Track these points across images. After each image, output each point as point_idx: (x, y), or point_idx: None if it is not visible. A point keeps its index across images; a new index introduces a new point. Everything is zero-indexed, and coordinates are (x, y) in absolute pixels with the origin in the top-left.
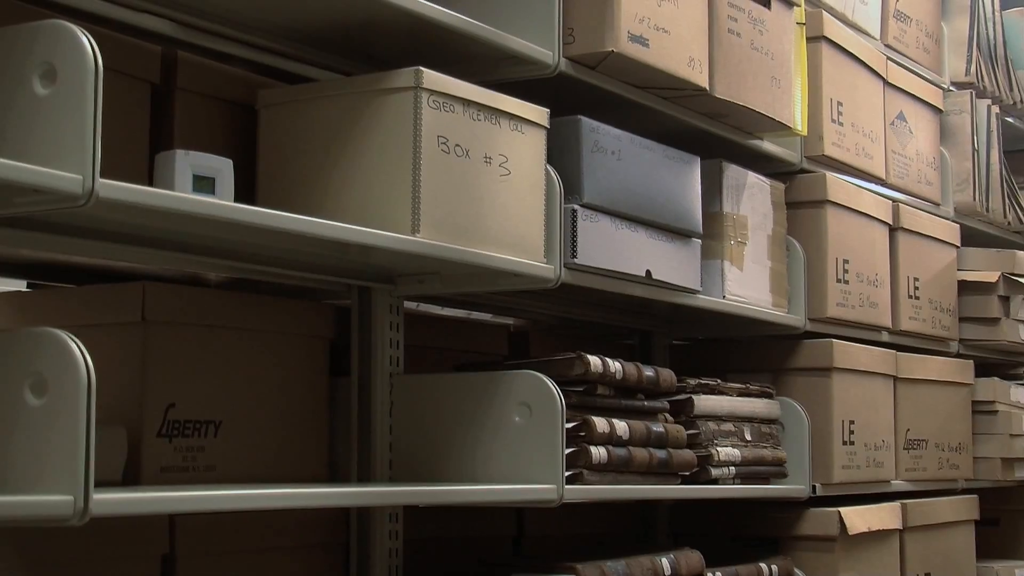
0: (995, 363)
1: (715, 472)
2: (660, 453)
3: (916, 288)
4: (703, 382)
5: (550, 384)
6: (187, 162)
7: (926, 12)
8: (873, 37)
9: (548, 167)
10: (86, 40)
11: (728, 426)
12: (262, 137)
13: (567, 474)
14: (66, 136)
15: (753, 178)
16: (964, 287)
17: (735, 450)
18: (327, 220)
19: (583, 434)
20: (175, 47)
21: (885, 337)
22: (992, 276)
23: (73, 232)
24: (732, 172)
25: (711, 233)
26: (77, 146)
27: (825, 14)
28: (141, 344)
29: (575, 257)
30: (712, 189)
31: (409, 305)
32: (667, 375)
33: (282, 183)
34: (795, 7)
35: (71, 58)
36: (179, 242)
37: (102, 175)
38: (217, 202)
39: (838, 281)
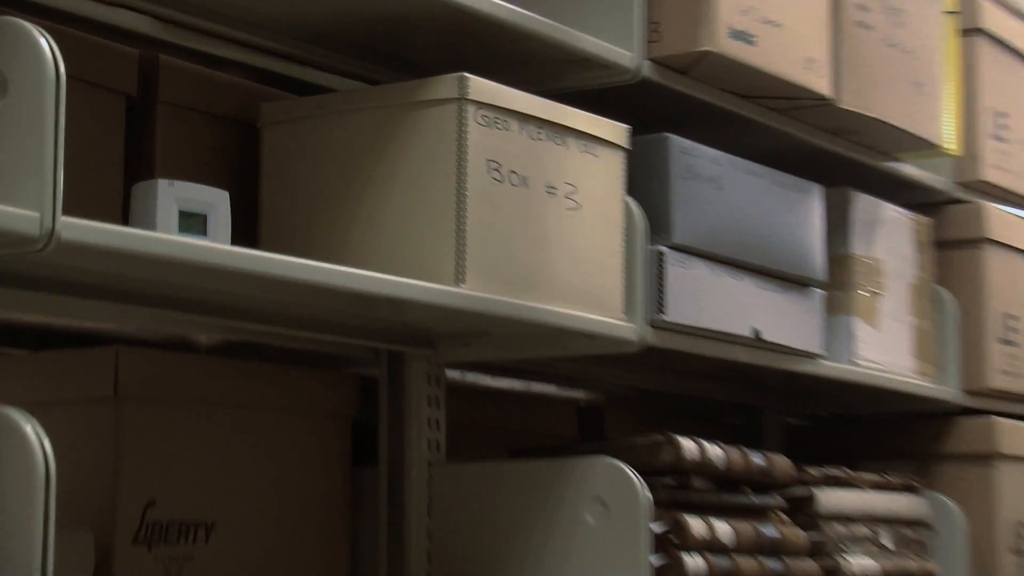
0: None
1: None
2: (774, 564)
3: None
4: (828, 472)
5: (631, 474)
6: (172, 195)
7: None
8: None
9: (628, 199)
10: (44, 42)
11: (861, 529)
12: (266, 163)
13: None
14: (19, 163)
15: (890, 211)
16: None
17: (870, 560)
18: (348, 268)
19: (675, 539)
20: (156, 50)
21: None
22: None
23: (28, 284)
24: (863, 204)
25: (837, 282)
26: (33, 175)
27: (983, 0)
28: (113, 425)
29: (662, 313)
30: (837, 225)
31: (452, 375)
32: (781, 463)
33: (291, 220)
34: None
35: (25, 64)
36: (162, 296)
37: (65, 211)
38: (210, 245)
39: (1002, 342)
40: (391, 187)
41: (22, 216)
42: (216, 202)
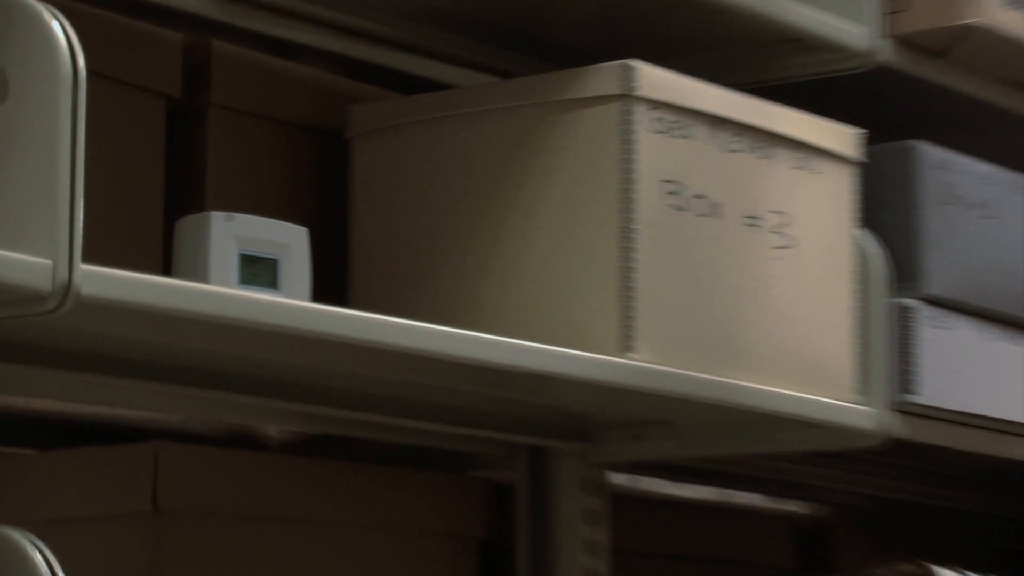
0: None
1: None
2: None
3: None
4: None
5: None
6: (230, 233)
7: None
8: None
9: (861, 232)
10: (57, 27)
11: None
12: (358, 188)
13: None
14: (24, 192)
15: None
16: None
17: None
18: (473, 332)
19: None
20: (207, 34)
21: None
22: None
23: (38, 358)
24: None
25: None
26: (43, 208)
27: None
28: (152, 548)
29: (912, 393)
30: None
31: (618, 479)
32: None
33: (393, 267)
34: None
35: (31, 58)
36: (217, 373)
37: (87, 257)
38: (282, 302)
39: None
40: (531, 220)
41: (28, 264)
42: (290, 242)
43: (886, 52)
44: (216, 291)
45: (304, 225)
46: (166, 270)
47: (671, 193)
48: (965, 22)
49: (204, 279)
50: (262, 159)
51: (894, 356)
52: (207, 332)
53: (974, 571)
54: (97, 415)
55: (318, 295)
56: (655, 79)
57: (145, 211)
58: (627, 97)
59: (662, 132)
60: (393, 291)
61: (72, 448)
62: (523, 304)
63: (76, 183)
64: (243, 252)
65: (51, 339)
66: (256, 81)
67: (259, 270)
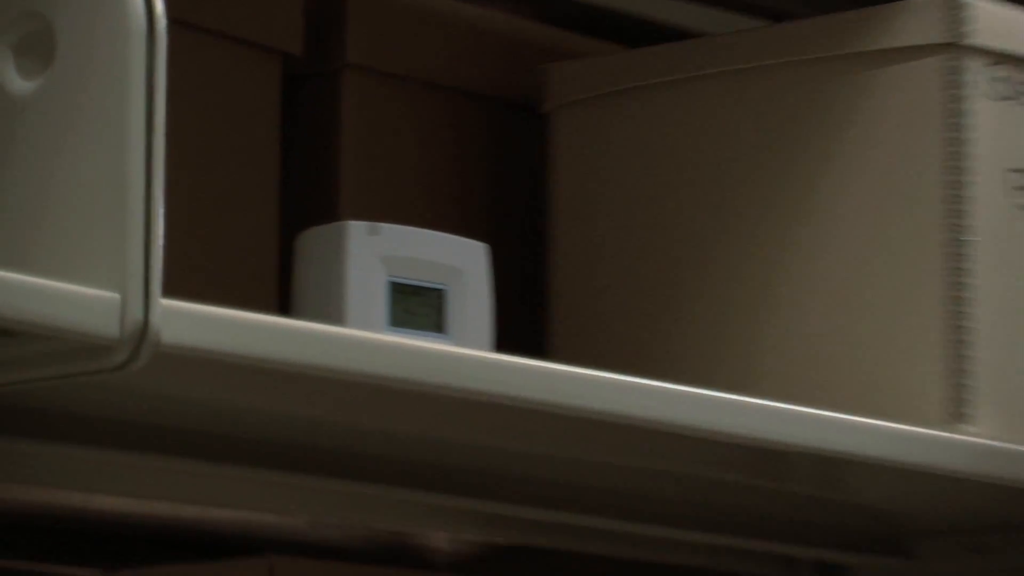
0: None
1: None
2: None
3: None
4: None
5: None
6: (374, 251)
7: None
8: None
9: None
10: None
11: None
12: (557, 182)
13: None
14: (79, 198)
15: None
16: None
17: None
18: (738, 396)
19: None
20: None
21: None
22: None
23: (99, 436)
24: None
25: None
26: (106, 222)
27: None
28: None
29: None
30: None
31: None
32: None
33: (608, 301)
34: None
35: (90, 7)
36: (355, 456)
37: (168, 290)
38: (453, 353)
39: None
40: (811, 233)
41: (85, 300)
42: (463, 264)
43: None
44: (356, 337)
45: (479, 239)
46: (282, 305)
47: (1019, 189)
48: None
49: (338, 319)
50: (419, 143)
51: None
52: (343, 397)
53: None
54: (187, 518)
55: (504, 338)
56: (997, 20)
57: (252, 220)
58: (955, 47)
59: (1007, 98)
60: (610, 335)
61: (152, 566)
62: (801, 354)
63: (153, 183)
64: (394, 279)
65: (120, 408)
66: (406, 33)
67: (418, 306)
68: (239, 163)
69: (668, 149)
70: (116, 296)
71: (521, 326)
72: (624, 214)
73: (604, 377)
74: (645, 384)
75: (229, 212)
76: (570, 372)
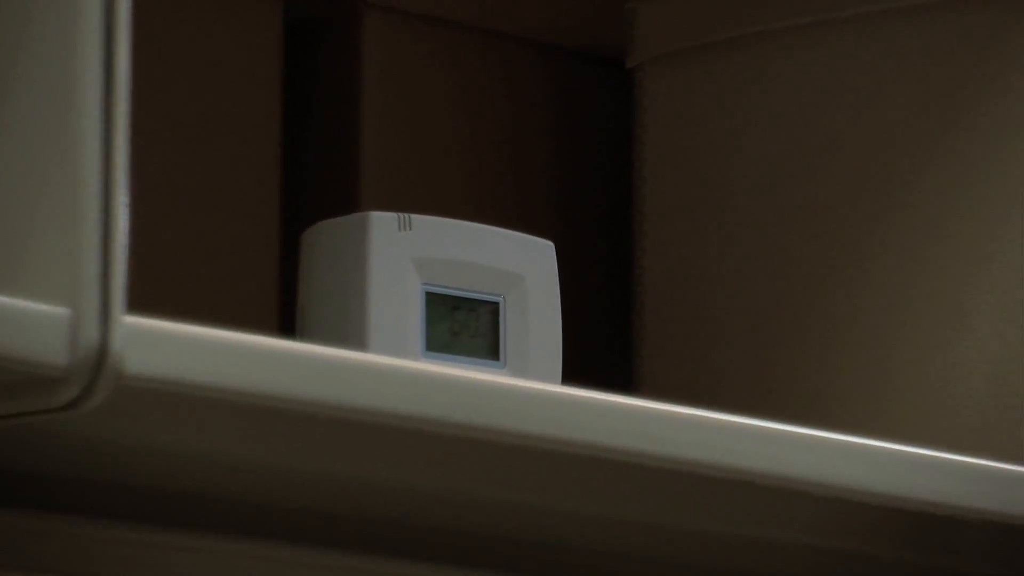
0: None
1: None
2: None
3: None
4: None
5: None
6: (405, 251)
7: None
8: None
9: None
10: None
11: None
12: (646, 159)
13: None
14: (12, 185)
15: None
16: None
17: None
18: (877, 441)
19: None
20: None
21: None
22: None
23: (44, 495)
24: None
25: None
26: (50, 217)
27: None
28: None
29: None
30: None
31: None
32: None
33: (709, 315)
34: None
35: None
36: (383, 523)
37: (135, 304)
38: (516, 387)
39: None
40: (982, 222)
41: (27, 317)
42: (523, 268)
43: None
44: (382, 367)
45: (542, 234)
46: (284, 322)
47: None
48: None
49: (358, 341)
50: (461, 109)
51: None
52: (365, 446)
53: None
54: None
55: (573, 369)
56: None
57: (247, 210)
58: None
59: None
60: (716, 360)
61: None
62: (955, 392)
63: (113, 166)
64: (432, 288)
65: (71, 461)
66: None
67: (463, 324)
68: (229, 136)
69: (793, 116)
70: (65, 312)
71: (599, 350)
72: (735, 202)
73: (714, 419)
74: (768, 428)
75: (216, 200)
76: (666, 412)
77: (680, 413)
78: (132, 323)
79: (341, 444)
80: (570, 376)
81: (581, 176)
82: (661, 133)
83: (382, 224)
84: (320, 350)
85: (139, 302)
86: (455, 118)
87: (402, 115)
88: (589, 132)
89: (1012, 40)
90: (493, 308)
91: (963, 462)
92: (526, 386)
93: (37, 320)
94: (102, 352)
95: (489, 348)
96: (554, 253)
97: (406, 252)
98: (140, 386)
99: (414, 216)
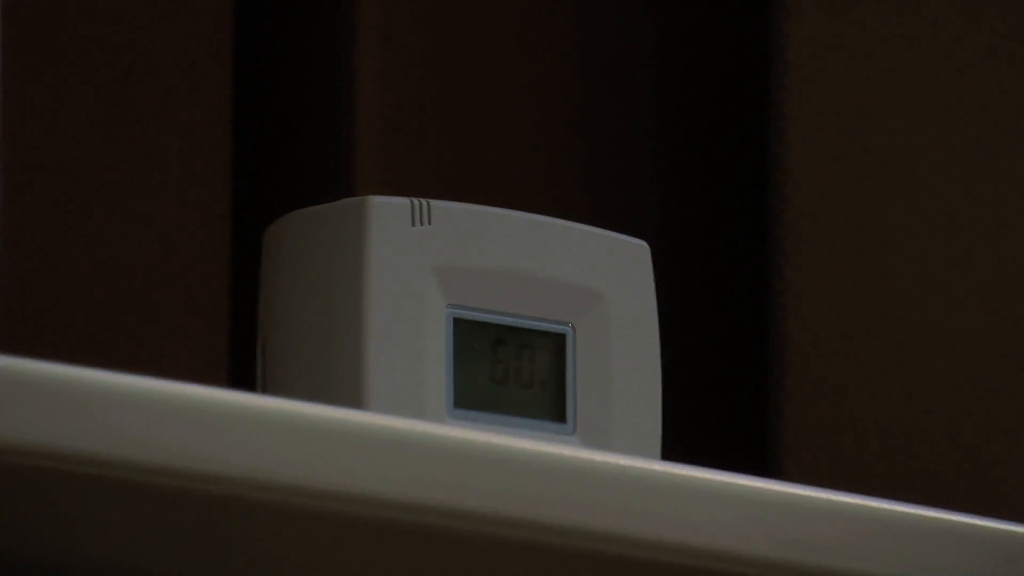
0: None
1: None
2: None
3: None
4: None
5: None
6: (421, 255)
7: None
8: None
9: None
10: None
11: None
12: (790, 131)
13: None
14: None
15: None
16: None
17: None
18: None
19: None
20: None
21: None
22: None
23: None
24: None
25: None
26: None
27: None
28: None
29: None
30: None
31: None
32: None
33: (865, 362)
34: None
35: None
36: None
37: (21, 342)
38: (591, 461)
39: None
40: None
41: None
42: (602, 282)
43: None
44: (389, 432)
45: (631, 232)
46: (239, 361)
47: None
48: None
49: (352, 393)
50: (495, 47)
51: None
52: (360, 548)
53: None
54: None
55: (678, 437)
56: None
57: (188, 197)
58: None
59: None
60: (866, 424)
61: None
62: None
63: None
64: (461, 313)
65: None
66: None
67: (511, 367)
68: (163, 98)
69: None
70: None
71: (721, 406)
72: (918, 193)
73: (888, 509)
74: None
75: (147, 187)
76: (822, 500)
77: (837, 500)
78: (20, 367)
79: (325, 548)
80: (674, 446)
81: (690, 148)
82: (811, 87)
83: (387, 213)
84: (290, 408)
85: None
86: (490, 60)
87: (414, 56)
88: (703, 82)
89: None
90: (557, 343)
91: None
92: (606, 461)
93: None
94: None
95: (551, 404)
96: (650, 258)
97: (423, 257)
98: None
99: (435, 203)
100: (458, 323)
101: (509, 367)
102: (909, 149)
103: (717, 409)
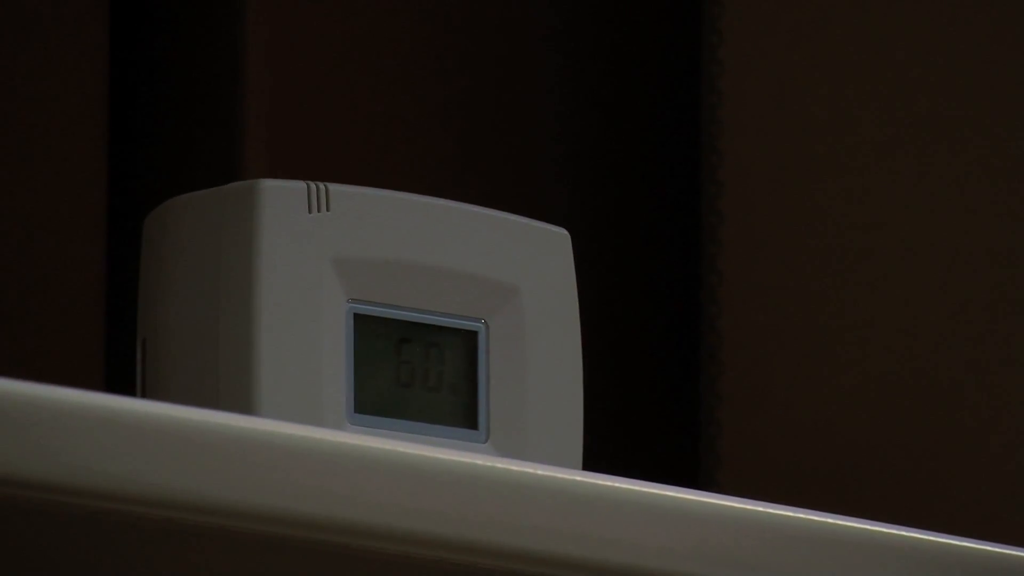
0: None
1: None
2: None
3: None
4: None
5: None
6: (319, 246)
7: None
8: None
9: None
10: None
11: None
12: (724, 106)
13: None
14: None
15: None
16: None
17: None
18: None
19: None
20: None
21: None
22: None
23: None
24: None
25: None
26: None
27: None
28: None
29: None
30: None
31: None
32: None
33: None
34: None
35: None
36: None
37: None
38: (504, 471)
39: None
40: None
41: None
42: (518, 275)
43: None
44: (280, 439)
45: (549, 219)
46: (115, 359)
47: None
48: None
49: (242, 396)
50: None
51: None
52: (247, 571)
53: None
54: None
55: (600, 445)
56: None
57: (60, 179)
58: None
59: None
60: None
61: None
62: None
63: None
64: (363, 309)
65: None
66: None
67: (418, 368)
68: (33, 71)
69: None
70: None
71: (645, 411)
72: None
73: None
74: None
75: (7, 168)
76: (759, 514)
77: (772, 517)
78: None
79: (211, 567)
80: (597, 455)
81: (615, 127)
82: (743, 68)
83: (280, 198)
84: (171, 413)
85: None
86: (393, 30)
87: (308, 24)
88: (632, 57)
89: None
90: (468, 341)
91: None
92: (521, 471)
93: None
94: None
95: (461, 408)
96: (571, 248)
97: (321, 246)
98: None
99: (334, 187)
100: (359, 319)
101: (415, 368)
102: (852, 125)
103: (644, 414)
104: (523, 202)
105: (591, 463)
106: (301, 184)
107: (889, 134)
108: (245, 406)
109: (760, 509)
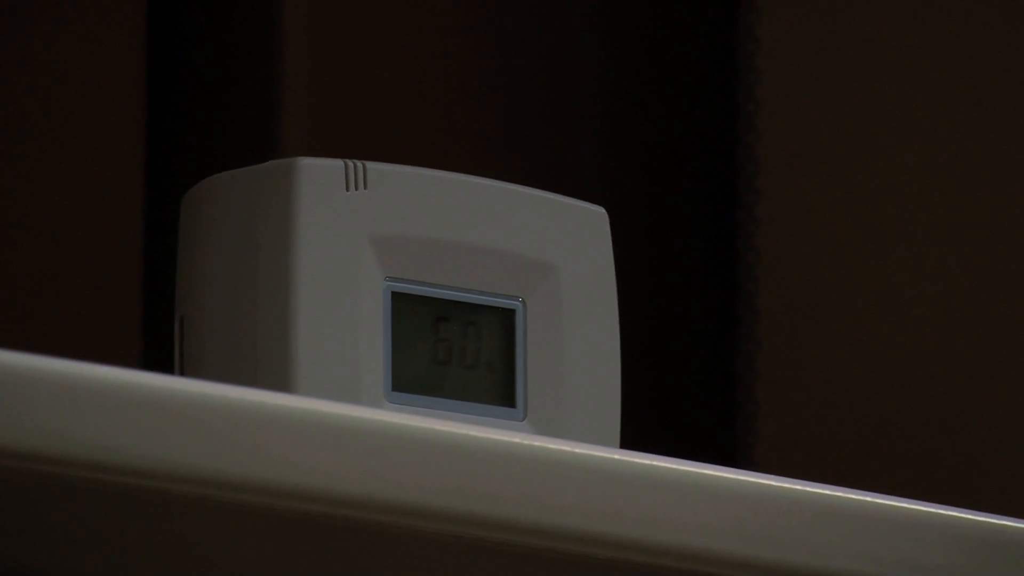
0: None
1: None
2: None
3: None
4: None
5: None
6: (357, 224)
7: None
8: None
9: None
10: None
11: None
12: (762, 94)
13: None
14: None
15: None
16: None
17: None
18: None
19: None
20: None
21: None
22: None
23: None
24: None
25: None
26: None
27: None
28: None
29: None
30: None
31: None
32: None
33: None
34: None
35: None
36: None
37: None
38: (544, 449)
39: None
40: None
41: None
42: (556, 254)
43: None
44: (320, 417)
45: (588, 198)
46: (154, 336)
47: None
48: None
49: (280, 374)
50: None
51: None
52: (291, 551)
53: None
54: None
55: (640, 425)
56: None
57: (103, 159)
58: None
59: None
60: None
61: None
62: None
63: None
64: (400, 287)
65: None
66: None
67: (455, 347)
68: (71, 51)
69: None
70: None
71: (682, 390)
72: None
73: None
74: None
75: (48, 147)
76: (797, 492)
77: (819, 492)
78: None
79: (249, 544)
80: (634, 433)
81: (653, 106)
82: (781, 45)
83: (318, 176)
84: (209, 391)
85: None
86: (435, 6)
87: (341, 8)
88: (670, 38)
89: None
90: (506, 319)
91: None
92: (559, 449)
93: None
94: None
95: (499, 387)
96: (608, 227)
97: (358, 224)
98: None
99: (371, 165)
100: (396, 297)
101: (453, 346)
102: (890, 101)
103: (682, 392)
104: (561, 180)
105: (628, 441)
106: (339, 162)
107: (927, 110)
108: (283, 384)
109: (798, 487)
